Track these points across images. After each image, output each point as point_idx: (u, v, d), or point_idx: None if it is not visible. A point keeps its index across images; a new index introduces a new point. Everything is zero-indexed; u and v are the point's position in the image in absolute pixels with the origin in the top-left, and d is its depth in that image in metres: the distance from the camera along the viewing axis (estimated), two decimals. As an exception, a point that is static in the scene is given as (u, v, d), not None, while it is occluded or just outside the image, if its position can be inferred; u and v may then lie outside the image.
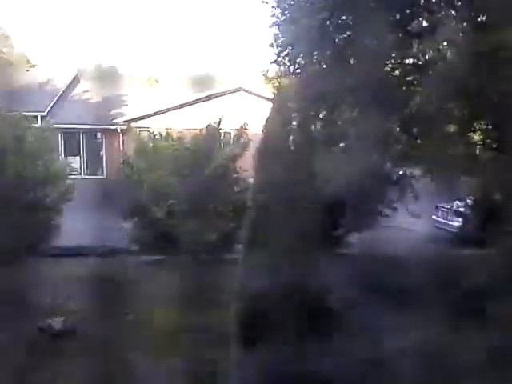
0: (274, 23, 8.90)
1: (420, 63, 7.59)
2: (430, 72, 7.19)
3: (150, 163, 9.84)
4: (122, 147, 16.60)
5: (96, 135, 18.11)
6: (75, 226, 9.92)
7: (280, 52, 8.89)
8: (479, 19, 6.91)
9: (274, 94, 9.03)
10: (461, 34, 6.92)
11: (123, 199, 9.84)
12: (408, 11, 7.46)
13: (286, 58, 8.88)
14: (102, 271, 8.05)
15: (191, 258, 8.31)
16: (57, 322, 6.18)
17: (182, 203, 8.81)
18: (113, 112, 17.83)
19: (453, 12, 7.25)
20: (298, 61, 8.96)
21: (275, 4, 8.78)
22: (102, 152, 17.86)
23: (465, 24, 6.73)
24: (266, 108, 9.45)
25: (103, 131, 17.87)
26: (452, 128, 7.37)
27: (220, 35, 49.40)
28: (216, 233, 8.63)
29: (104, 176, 16.88)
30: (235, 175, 9.66)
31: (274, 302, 5.51)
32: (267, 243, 6.15)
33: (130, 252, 9.43)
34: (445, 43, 6.98)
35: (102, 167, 17.60)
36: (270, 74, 9.66)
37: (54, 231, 9.45)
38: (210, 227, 8.63)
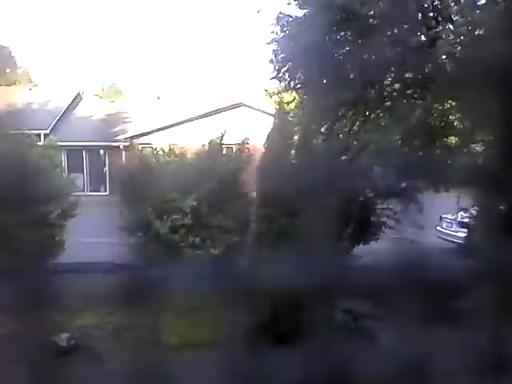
0: (274, 40, 9.02)
1: (420, 77, 7.68)
2: (430, 85, 7.28)
3: (153, 179, 9.90)
4: (124, 164, 16.69)
5: (99, 152, 18.26)
6: (78, 243, 9.94)
7: (280, 68, 9.00)
8: (477, 32, 7.00)
9: (275, 109, 9.13)
10: (459, 48, 7.01)
11: (126, 215, 9.87)
12: (407, 26, 7.56)
13: (286, 74, 8.98)
14: (105, 287, 8.05)
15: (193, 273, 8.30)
16: (62, 339, 6.18)
17: (186, 218, 8.85)
18: (115, 129, 18.00)
19: (451, 26, 7.36)
20: (297, 76, 9.07)
21: (274, 21, 8.91)
22: (105, 169, 17.98)
23: (463, 38, 6.82)
24: (268, 123, 9.58)
25: (106, 148, 18.02)
26: (453, 140, 7.44)
27: (221, 52, 49.92)
28: (219, 247, 8.65)
29: (107, 193, 16.97)
30: (237, 189, 9.70)
31: (276, 316, 5.51)
32: (271, 256, 6.18)
33: (132, 268, 9.43)
34: (444, 57, 7.07)
35: (105, 184, 17.69)
36: (271, 90, 9.76)
37: (58, 248, 9.48)
38: (214, 241, 8.66)
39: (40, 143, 11.30)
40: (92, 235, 9.50)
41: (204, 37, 52.09)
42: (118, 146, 17.26)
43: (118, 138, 17.35)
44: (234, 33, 55.03)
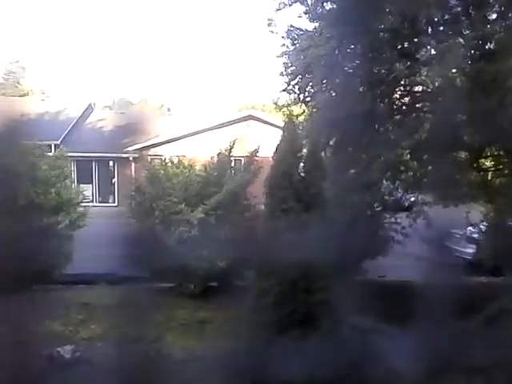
0: (284, 53, 9.05)
1: (429, 90, 7.65)
2: (440, 99, 7.24)
3: (161, 190, 9.90)
4: (133, 175, 16.76)
5: (108, 163, 18.37)
6: (86, 254, 9.94)
7: (290, 80, 9.03)
8: (487, 47, 6.98)
9: (284, 121, 9.13)
10: (469, 62, 6.98)
11: (135, 226, 9.86)
12: (416, 39, 7.56)
13: (296, 87, 9.00)
14: (111, 298, 8.01)
15: (201, 285, 8.26)
16: (66, 351, 6.13)
17: (193, 230, 8.81)
18: (125, 140, 18.10)
19: (461, 40, 7.34)
20: (307, 89, 9.07)
21: (285, 34, 8.96)
22: (114, 180, 18.07)
23: (473, 52, 6.79)
24: (276, 135, 9.55)
25: (115, 159, 18.12)
26: (463, 154, 7.37)
27: (231, 64, 50.21)
28: (226, 260, 8.59)
29: (116, 204, 17.02)
30: (246, 201, 9.67)
31: (286, 331, 5.44)
32: (279, 270, 6.12)
33: (139, 279, 9.40)
34: (454, 70, 7.03)
35: (114, 195, 17.76)
36: (281, 102, 9.77)
37: (66, 258, 9.48)
38: (221, 254, 8.61)
39: (50, 154, 11.36)
40: (100, 246, 9.50)
41: (215, 49, 52.60)
42: (127, 158, 17.36)
43: (127, 149, 17.45)
44: (245, 45, 55.41)
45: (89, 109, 21.83)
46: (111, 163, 18.33)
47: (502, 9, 7.14)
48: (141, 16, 50.19)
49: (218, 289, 8.62)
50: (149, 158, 15.21)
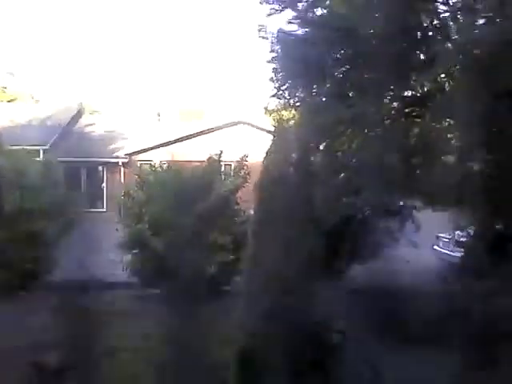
0: (274, 58, 9.07)
1: (419, 95, 7.69)
2: (429, 104, 7.28)
3: (150, 195, 9.85)
4: (123, 180, 16.67)
5: (97, 168, 18.23)
6: (74, 259, 9.83)
7: (280, 86, 9.05)
8: (476, 52, 7.02)
9: (274, 126, 9.13)
10: (458, 67, 7.03)
11: (123, 232, 9.79)
12: (405, 45, 7.60)
13: (286, 92, 9.02)
14: (98, 306, 7.92)
15: (190, 290, 8.18)
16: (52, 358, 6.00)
17: (183, 235, 8.75)
18: (114, 145, 18.01)
19: (450, 45, 7.39)
20: (297, 94, 9.10)
21: (274, 40, 8.96)
22: (103, 185, 17.94)
23: (461, 56, 6.83)
24: (267, 140, 9.52)
25: (104, 164, 18.00)
26: (451, 158, 7.41)
27: (221, 69, 50.31)
28: (216, 265, 8.55)
29: (104, 209, 16.87)
30: (236, 206, 9.65)
31: (275, 339, 5.40)
32: (267, 275, 6.08)
33: (128, 285, 9.33)
34: (443, 75, 7.08)
35: (103, 200, 17.63)
36: (271, 107, 9.80)
37: (54, 265, 9.38)
38: (210, 259, 8.56)
39: (38, 159, 11.27)
40: (89, 252, 9.40)
41: (204, 54, 52.82)
42: (116, 163, 17.26)
43: (116, 154, 17.35)
44: (235, 51, 55.57)
45: (78, 114, 21.69)
46: (100, 168, 18.18)
47: (490, 14, 7.19)
48: (134, 17, 50.20)
49: (208, 295, 8.56)
50: (138, 162, 15.12)
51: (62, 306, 8.06)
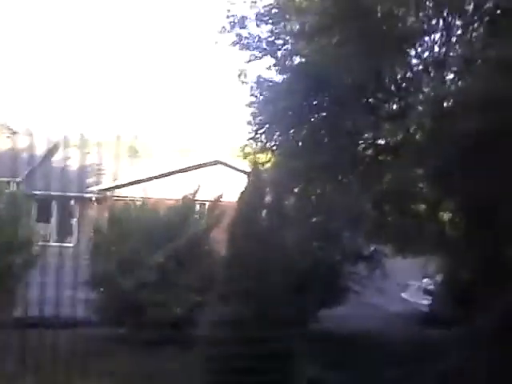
0: (253, 102, 9.24)
1: (391, 144, 7.87)
2: (401, 152, 7.45)
3: (122, 233, 9.67)
4: (95, 216, 16.39)
5: (69, 203, 17.91)
6: (38, 295, 9.50)
7: (258, 129, 9.18)
8: (446, 104, 7.27)
9: (250, 168, 9.18)
10: (429, 118, 7.24)
11: (91, 268, 9.54)
12: (380, 95, 7.83)
13: (263, 136, 9.15)
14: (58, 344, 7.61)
15: (154, 332, 7.92)
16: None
17: (152, 275, 8.56)
18: (89, 180, 17.81)
19: (421, 97, 7.64)
20: (274, 138, 9.23)
21: (254, 85, 9.16)
22: (74, 220, 17.59)
23: (432, 109, 7.05)
24: (242, 181, 9.55)
25: (77, 199, 17.71)
26: (422, 207, 7.53)
27: (201, 109, 50.89)
28: (184, 306, 8.33)
29: (73, 244, 16.50)
30: (208, 247, 9.52)
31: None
32: (237, 318, 5.97)
33: (92, 324, 9.02)
34: (414, 126, 7.28)
35: (72, 235, 17.25)
36: (248, 150, 9.90)
37: (17, 300, 9.05)
38: (178, 300, 8.36)
39: (8, 191, 11.03)
40: (54, 288, 9.10)
41: (185, 94, 53.39)
42: (89, 198, 17.00)
43: (90, 189, 17.13)
44: (215, 92, 56.39)
45: (55, 147, 21.49)
46: (72, 202, 17.87)
47: (459, 70, 7.50)
48: (114, 53, 50.70)
49: (174, 337, 8.30)
50: (112, 199, 14.95)
51: (22, 343, 7.75)
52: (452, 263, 6.61)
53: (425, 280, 9.85)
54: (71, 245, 16.36)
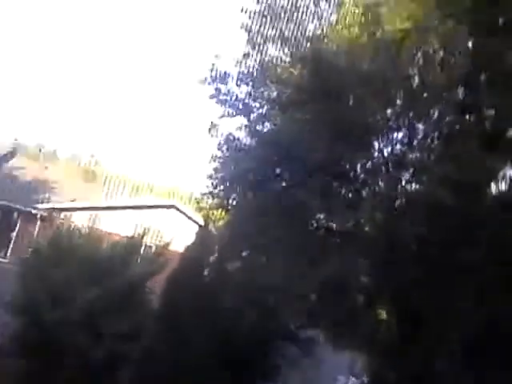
0: (218, 157, 9.32)
1: (341, 230, 8.07)
2: (349, 240, 7.64)
3: (60, 258, 9.36)
4: (36, 234, 15.77)
5: (12, 215, 17.11)
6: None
7: (217, 185, 9.23)
8: (397, 203, 7.58)
9: (202, 223, 9.17)
10: (379, 212, 7.52)
11: (19, 291, 9.11)
12: (337, 180, 8.08)
13: (221, 193, 9.20)
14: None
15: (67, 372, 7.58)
16: None
17: (80, 313, 8.26)
18: (38, 196, 17.21)
19: (377, 189, 7.94)
20: (231, 197, 9.29)
21: (223, 141, 9.28)
22: (13, 234, 16.76)
23: (385, 204, 7.34)
24: (193, 232, 9.50)
25: (21, 212, 16.97)
26: (360, 300, 7.61)
27: (168, 150, 50.50)
28: (105, 351, 8.02)
29: (7, 260, 15.67)
30: (144, 295, 9.27)
31: None
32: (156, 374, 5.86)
33: (7, 353, 8.56)
34: (365, 218, 7.51)
35: (8, 249, 16.39)
36: (203, 203, 9.88)
37: None
38: (100, 344, 8.06)
39: None
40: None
41: (158, 131, 52.95)
42: (35, 214, 16.34)
43: (37, 205, 16.50)
44: (182, 137, 55.95)
45: (11, 154, 20.79)
46: (15, 215, 17.07)
47: (415, 172, 7.87)
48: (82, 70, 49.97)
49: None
50: (58, 220, 14.49)
51: None
52: (380, 366, 6.66)
53: (353, 379, 9.73)
54: (5, 260, 15.56)
